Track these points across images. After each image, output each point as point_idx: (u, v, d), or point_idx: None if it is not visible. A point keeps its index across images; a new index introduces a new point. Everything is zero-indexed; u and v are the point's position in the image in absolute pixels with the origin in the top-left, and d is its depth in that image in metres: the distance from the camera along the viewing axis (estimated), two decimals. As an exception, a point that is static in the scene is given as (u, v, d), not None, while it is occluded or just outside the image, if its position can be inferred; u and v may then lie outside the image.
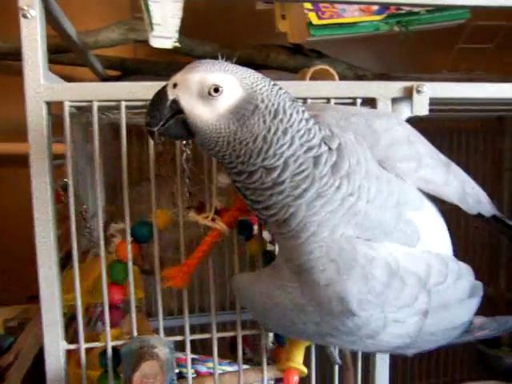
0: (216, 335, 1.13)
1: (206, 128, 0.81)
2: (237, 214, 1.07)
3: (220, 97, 0.80)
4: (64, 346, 1.06)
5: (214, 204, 1.08)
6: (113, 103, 1.03)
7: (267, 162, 0.81)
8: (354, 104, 1.09)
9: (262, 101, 0.81)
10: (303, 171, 0.82)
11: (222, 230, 1.06)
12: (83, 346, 1.07)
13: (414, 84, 1.07)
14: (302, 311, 0.86)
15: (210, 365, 1.52)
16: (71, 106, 1.02)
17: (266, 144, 0.81)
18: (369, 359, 1.18)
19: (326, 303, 0.83)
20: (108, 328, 1.07)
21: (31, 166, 1.00)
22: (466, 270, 0.95)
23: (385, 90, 1.08)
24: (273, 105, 0.81)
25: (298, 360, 1.08)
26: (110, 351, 1.08)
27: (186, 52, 1.80)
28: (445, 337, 0.95)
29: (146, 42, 1.80)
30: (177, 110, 0.82)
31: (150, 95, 1.00)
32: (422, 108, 1.08)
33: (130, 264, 1.07)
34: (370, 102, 1.09)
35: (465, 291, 0.93)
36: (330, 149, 0.84)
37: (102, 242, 1.06)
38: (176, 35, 1.24)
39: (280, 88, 0.84)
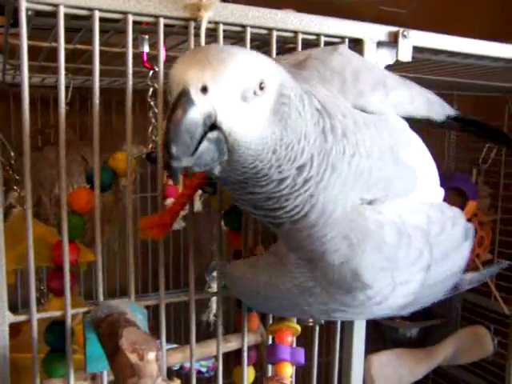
0: (194, 298, 0.98)
1: (250, 142, 0.63)
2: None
3: (263, 95, 0.63)
4: (10, 318, 0.83)
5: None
6: (84, 11, 0.83)
7: (303, 160, 0.69)
8: (342, 44, 1.03)
9: (291, 88, 0.67)
10: (320, 151, 0.71)
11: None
12: (35, 316, 0.85)
13: (400, 29, 1.05)
14: (309, 294, 0.79)
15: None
16: (29, 9, 0.80)
17: (306, 140, 0.68)
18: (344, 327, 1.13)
19: (339, 282, 0.76)
20: (68, 294, 0.86)
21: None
22: (458, 214, 0.92)
23: (372, 32, 1.04)
24: (296, 89, 0.68)
25: (290, 318, 0.97)
26: (69, 321, 0.87)
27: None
28: (443, 287, 0.93)
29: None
30: (210, 125, 0.60)
31: (130, 7, 0.85)
32: (406, 54, 1.06)
33: (98, 213, 0.88)
34: (357, 44, 1.04)
35: (460, 236, 0.91)
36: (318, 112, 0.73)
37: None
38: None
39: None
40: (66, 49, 1.17)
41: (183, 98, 0.58)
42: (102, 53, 1.27)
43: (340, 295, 0.77)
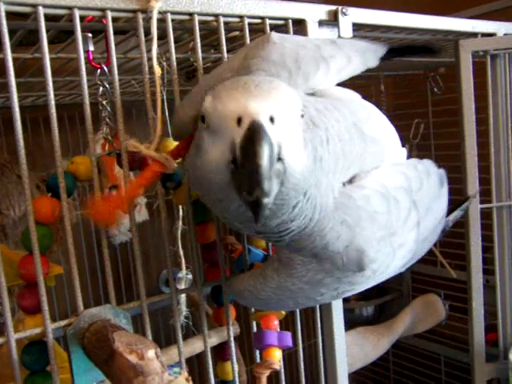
0: (175, 295, 0.95)
1: (302, 172, 0.63)
2: (183, 148, 0.90)
3: (301, 121, 0.64)
4: (-13, 340, 0.77)
5: (158, 133, 0.88)
6: (63, 11, 0.80)
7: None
8: (286, 26, 1.04)
9: (306, 106, 0.68)
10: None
11: (166, 163, 0.84)
12: (13, 336, 0.79)
13: (339, 7, 1.08)
14: (320, 285, 0.80)
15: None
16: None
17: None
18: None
19: (348, 265, 0.77)
20: (46, 307, 0.81)
21: None
22: (428, 163, 0.94)
23: (313, 12, 1.06)
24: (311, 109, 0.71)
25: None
26: (50, 337, 0.82)
27: None
28: (434, 235, 0.95)
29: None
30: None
31: (76, 1, 0.82)
32: (347, 31, 1.09)
33: (67, 220, 0.83)
34: (299, 24, 1.06)
35: (437, 184, 0.93)
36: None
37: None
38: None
39: None
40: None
41: (259, 131, 0.56)
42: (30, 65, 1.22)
43: (350, 277, 0.79)
